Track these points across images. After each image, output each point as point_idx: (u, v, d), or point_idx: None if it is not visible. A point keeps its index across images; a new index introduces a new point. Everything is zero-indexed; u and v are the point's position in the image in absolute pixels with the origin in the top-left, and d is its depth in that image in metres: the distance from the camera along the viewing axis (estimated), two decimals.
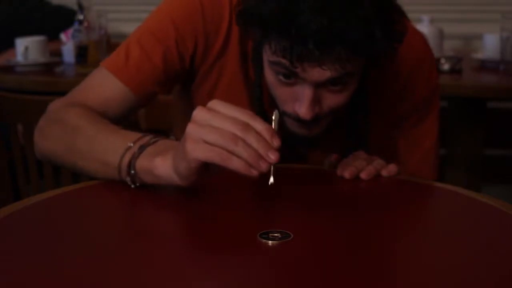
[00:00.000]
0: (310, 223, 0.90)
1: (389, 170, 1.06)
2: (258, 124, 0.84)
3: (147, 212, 0.95)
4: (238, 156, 0.83)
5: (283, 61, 0.97)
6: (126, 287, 0.72)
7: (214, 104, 0.86)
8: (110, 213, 0.97)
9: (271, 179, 0.85)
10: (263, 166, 0.83)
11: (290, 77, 1.00)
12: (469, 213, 0.97)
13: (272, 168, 0.84)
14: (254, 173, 0.83)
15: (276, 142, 0.84)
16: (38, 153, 1.12)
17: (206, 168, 0.88)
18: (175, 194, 1.04)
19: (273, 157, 0.83)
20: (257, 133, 0.84)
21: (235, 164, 0.83)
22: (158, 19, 1.14)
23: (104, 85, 1.12)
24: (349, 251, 0.81)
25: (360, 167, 1.05)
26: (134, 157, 0.95)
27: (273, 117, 0.90)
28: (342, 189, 1.05)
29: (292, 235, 0.82)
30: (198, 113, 0.86)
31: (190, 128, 0.85)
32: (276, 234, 0.82)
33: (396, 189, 1.05)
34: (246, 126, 0.83)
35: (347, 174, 1.04)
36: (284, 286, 0.72)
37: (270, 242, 0.81)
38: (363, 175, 1.04)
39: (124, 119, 1.13)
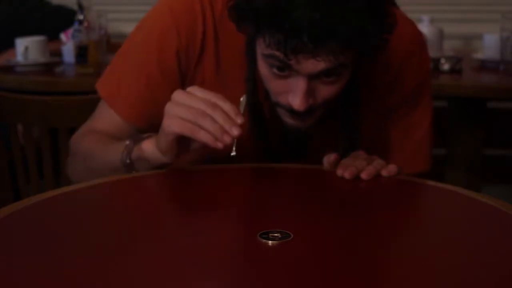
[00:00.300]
0: (310, 223, 0.90)
1: (389, 170, 1.06)
2: (225, 104, 0.97)
3: (147, 212, 0.95)
4: (206, 130, 0.96)
5: (277, 53, 0.98)
6: (126, 287, 0.72)
7: (191, 88, 1.00)
8: (110, 213, 0.97)
9: (233, 152, 0.97)
10: (227, 139, 0.95)
11: (284, 69, 1.01)
12: (469, 213, 0.97)
13: (235, 141, 0.96)
14: (219, 145, 0.96)
15: (239, 120, 0.96)
16: (73, 182, 1.23)
17: (185, 145, 1.02)
18: (175, 194, 1.04)
19: (235, 132, 0.95)
20: (224, 112, 0.96)
21: (203, 137, 0.96)
22: (138, 48, 1.18)
23: (107, 118, 1.19)
24: (349, 251, 0.81)
25: (360, 167, 1.05)
26: (130, 149, 1.07)
27: (241, 100, 1.03)
28: (342, 189, 1.05)
29: (292, 235, 0.82)
30: (176, 95, 0.99)
31: (168, 107, 0.99)
32: (276, 234, 0.82)
33: (396, 189, 1.05)
34: (215, 106, 0.97)
35: (347, 174, 1.04)
36: (284, 286, 0.72)
37: (270, 242, 0.81)
38: (363, 175, 1.05)
39: None
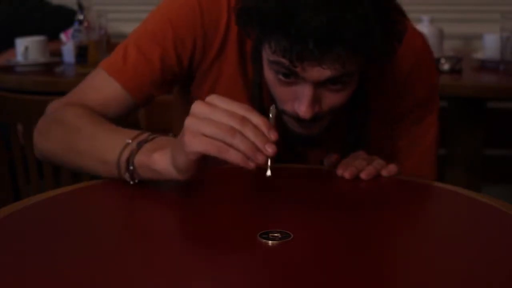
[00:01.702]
0: (310, 223, 0.90)
1: (389, 170, 1.06)
2: (255, 118, 0.85)
3: (147, 212, 0.95)
4: (235, 149, 0.84)
5: (283, 60, 0.97)
6: (126, 287, 0.72)
7: (213, 98, 0.87)
8: (110, 213, 0.97)
9: (269, 172, 0.86)
10: (260, 159, 0.84)
11: (290, 76, 1.00)
12: (469, 213, 0.97)
13: (269, 160, 0.85)
14: (251, 165, 0.84)
15: (273, 136, 0.85)
16: (38, 154, 1.13)
17: (204, 162, 0.89)
18: (175, 194, 1.04)
19: (270, 150, 0.84)
20: (254, 126, 0.85)
21: (233, 156, 0.84)
22: (156, 20, 1.15)
23: (102, 86, 1.13)
24: (349, 251, 0.81)
25: (360, 167, 1.05)
26: (133, 153, 0.97)
27: (270, 112, 0.92)
28: (342, 189, 1.05)
29: (292, 235, 0.82)
30: (197, 107, 0.87)
31: (189, 122, 0.87)
32: (276, 234, 0.82)
33: (396, 189, 1.05)
34: (244, 120, 0.85)
35: (347, 174, 1.04)
36: (284, 286, 0.72)
37: (270, 242, 0.81)
38: (363, 175, 1.04)
39: (123, 119, 1.13)
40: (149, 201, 1.00)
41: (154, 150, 0.96)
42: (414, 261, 0.79)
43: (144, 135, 0.99)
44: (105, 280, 0.73)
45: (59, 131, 1.08)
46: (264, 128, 0.85)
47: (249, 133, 0.84)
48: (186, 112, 0.91)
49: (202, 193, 1.02)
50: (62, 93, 1.17)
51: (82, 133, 1.05)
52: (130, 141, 0.98)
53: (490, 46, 2.24)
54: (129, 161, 0.97)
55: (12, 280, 0.72)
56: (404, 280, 0.75)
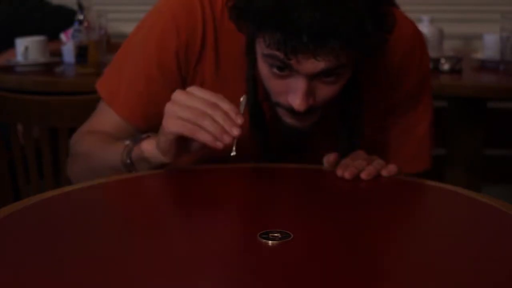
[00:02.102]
0: (310, 223, 0.90)
1: (389, 170, 1.06)
2: (225, 104, 0.98)
3: (147, 212, 0.95)
4: (205, 130, 0.96)
5: (277, 53, 0.98)
6: (126, 287, 0.72)
7: (191, 88, 1.00)
8: (110, 213, 0.97)
9: (233, 152, 0.98)
10: (227, 139, 0.96)
11: (284, 69, 1.01)
12: (469, 213, 0.97)
13: (235, 141, 0.97)
14: (219, 145, 0.96)
15: (239, 120, 0.97)
16: (72, 179, 1.24)
17: (184, 145, 1.02)
18: (175, 194, 1.04)
19: (235, 132, 0.96)
20: (224, 112, 0.97)
21: (203, 136, 0.97)
22: (139, 49, 1.17)
23: (105, 116, 1.20)
24: (349, 251, 0.81)
25: (360, 167, 1.05)
26: (130, 149, 1.08)
27: (241, 100, 1.03)
28: (342, 189, 1.05)
29: (292, 235, 0.82)
30: (176, 95, 1.00)
31: (168, 107, 1.00)
32: (276, 234, 0.82)
33: (396, 189, 1.05)
34: (215, 105, 0.97)
35: (347, 175, 1.04)
36: (284, 286, 0.72)
37: (270, 242, 0.81)
38: (363, 175, 1.05)
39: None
40: (149, 201, 1.00)
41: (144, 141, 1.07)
42: (413, 261, 0.79)
43: (140, 135, 1.08)
44: (105, 280, 0.73)
45: (79, 162, 1.20)
46: (232, 113, 0.97)
47: (218, 117, 0.97)
48: None
49: (202, 193, 1.02)
50: (62, 93, 1.17)
51: (95, 156, 1.15)
52: (128, 142, 1.08)
53: (490, 46, 2.24)
54: (128, 156, 1.07)
55: (12, 280, 0.72)
56: (404, 280, 0.75)
